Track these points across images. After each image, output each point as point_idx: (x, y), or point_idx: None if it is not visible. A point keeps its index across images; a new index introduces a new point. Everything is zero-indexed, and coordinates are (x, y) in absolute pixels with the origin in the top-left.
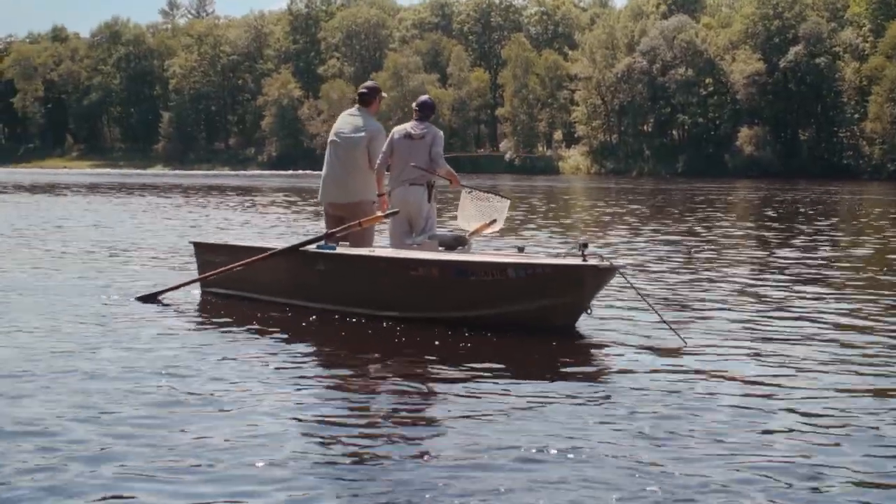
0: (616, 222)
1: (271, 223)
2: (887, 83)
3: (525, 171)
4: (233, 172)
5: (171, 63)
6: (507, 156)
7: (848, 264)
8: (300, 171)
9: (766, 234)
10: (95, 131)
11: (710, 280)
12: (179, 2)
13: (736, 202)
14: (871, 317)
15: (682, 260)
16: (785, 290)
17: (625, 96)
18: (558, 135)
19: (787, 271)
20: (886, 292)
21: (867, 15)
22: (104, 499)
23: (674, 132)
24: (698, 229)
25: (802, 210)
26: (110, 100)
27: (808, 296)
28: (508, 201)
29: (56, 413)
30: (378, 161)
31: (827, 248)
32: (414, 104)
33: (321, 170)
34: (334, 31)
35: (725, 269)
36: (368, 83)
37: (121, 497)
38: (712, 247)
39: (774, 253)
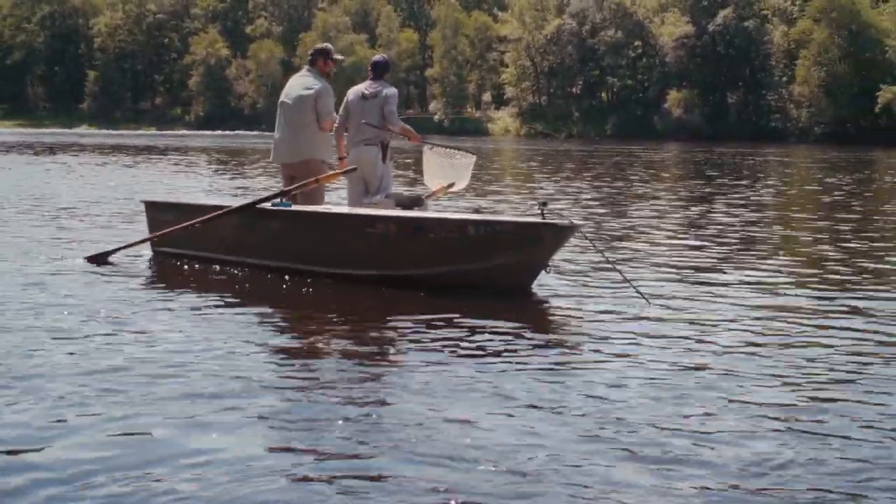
0: (561, 183)
1: (217, 182)
2: (815, 47)
3: (454, 132)
4: (160, 132)
5: (97, 21)
6: (436, 117)
7: (783, 224)
8: (231, 132)
9: (703, 194)
10: (19, 91)
11: (669, 240)
12: None
13: (669, 164)
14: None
15: (637, 221)
16: (734, 248)
17: (554, 58)
18: (487, 96)
19: (728, 230)
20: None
21: None
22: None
23: (603, 94)
24: (644, 190)
25: (735, 172)
26: (34, 59)
27: (757, 256)
28: (474, 157)
29: None
30: (336, 124)
31: (755, 207)
32: (369, 64)
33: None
34: None
35: (681, 230)
36: (318, 45)
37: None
38: (664, 208)
39: (715, 212)
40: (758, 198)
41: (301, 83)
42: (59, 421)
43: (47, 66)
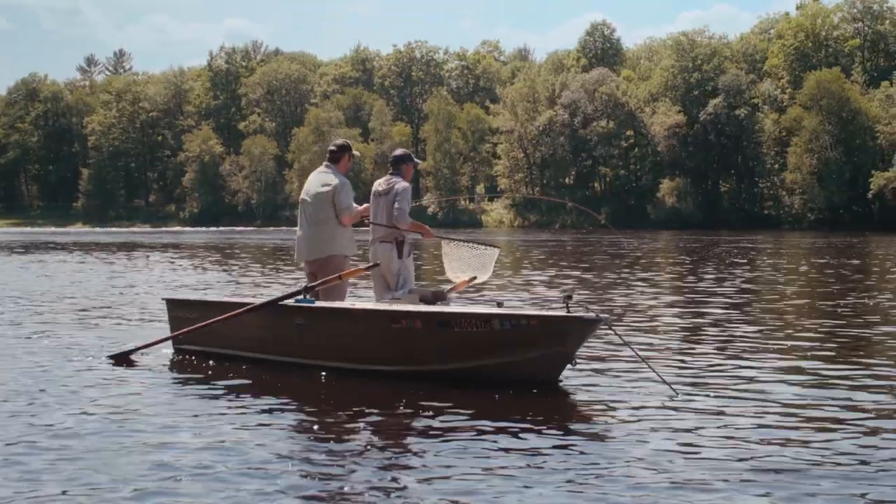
0: (572, 275)
1: (229, 279)
2: (806, 134)
3: (448, 224)
4: (154, 229)
5: (90, 120)
6: (430, 209)
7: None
8: (226, 228)
9: (706, 281)
10: (13, 190)
11: (694, 329)
12: (97, 58)
13: (667, 252)
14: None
15: (660, 311)
16: (759, 332)
17: (546, 149)
18: (481, 188)
19: (739, 315)
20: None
21: (785, 67)
22: None
23: (596, 184)
24: (661, 279)
25: (730, 258)
26: (28, 158)
27: (773, 339)
28: (497, 250)
29: (22, 478)
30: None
31: (761, 293)
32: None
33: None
34: (255, 86)
35: (697, 317)
36: (338, 141)
37: None
38: (675, 295)
39: (722, 297)
40: (758, 282)
41: (319, 180)
42: None
43: (41, 165)
